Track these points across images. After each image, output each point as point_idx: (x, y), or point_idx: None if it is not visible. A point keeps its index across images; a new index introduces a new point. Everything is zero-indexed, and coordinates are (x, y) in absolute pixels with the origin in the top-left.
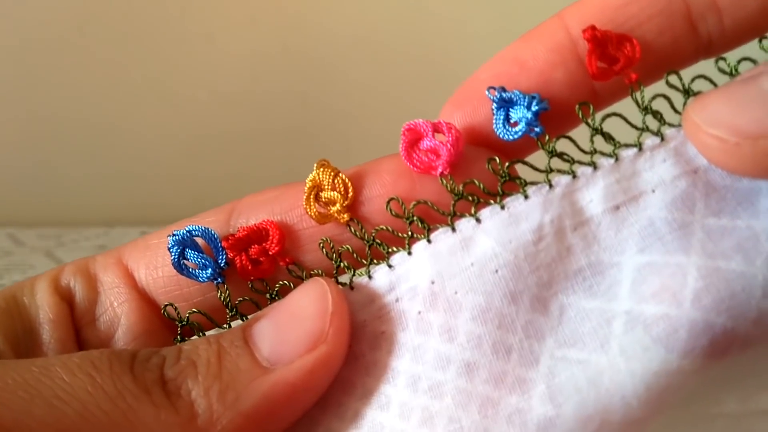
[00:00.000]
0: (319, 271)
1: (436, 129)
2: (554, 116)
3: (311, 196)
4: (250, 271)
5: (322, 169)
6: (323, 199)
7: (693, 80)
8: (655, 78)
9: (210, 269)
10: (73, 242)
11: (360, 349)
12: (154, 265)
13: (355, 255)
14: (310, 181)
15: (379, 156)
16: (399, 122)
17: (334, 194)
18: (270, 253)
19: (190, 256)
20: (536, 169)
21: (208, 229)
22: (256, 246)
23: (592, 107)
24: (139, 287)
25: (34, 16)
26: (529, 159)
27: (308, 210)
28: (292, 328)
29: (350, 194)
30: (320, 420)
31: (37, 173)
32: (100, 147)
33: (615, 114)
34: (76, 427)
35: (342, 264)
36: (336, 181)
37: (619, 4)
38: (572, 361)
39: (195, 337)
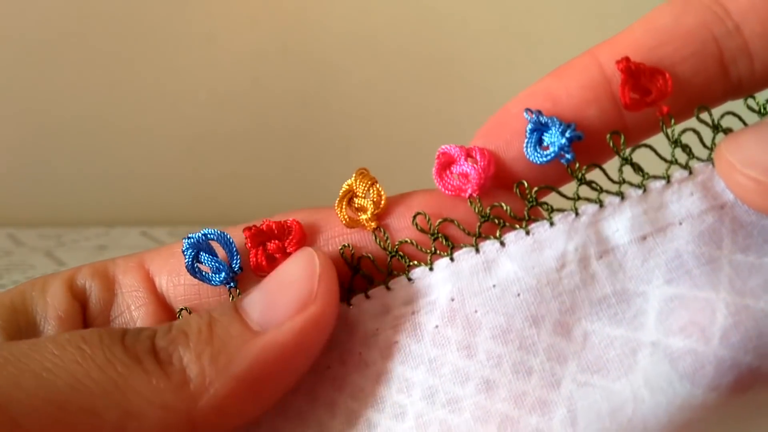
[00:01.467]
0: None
1: (468, 154)
2: (585, 152)
3: (344, 201)
4: (263, 267)
5: (360, 177)
6: (356, 205)
7: (722, 116)
8: (686, 118)
9: (223, 273)
10: (73, 242)
11: (371, 357)
12: (176, 273)
13: (375, 265)
14: (347, 185)
15: (378, 155)
16: (399, 122)
17: (367, 202)
18: (287, 251)
19: (205, 260)
20: (564, 196)
21: (224, 233)
22: (275, 242)
23: (623, 137)
24: (158, 293)
25: (34, 16)
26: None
27: (339, 213)
28: (281, 292)
29: (382, 204)
30: (330, 426)
31: (37, 173)
32: (100, 147)
33: (645, 145)
34: (65, 396)
35: (360, 272)
36: (371, 190)
37: (653, 45)
38: (595, 388)
39: None
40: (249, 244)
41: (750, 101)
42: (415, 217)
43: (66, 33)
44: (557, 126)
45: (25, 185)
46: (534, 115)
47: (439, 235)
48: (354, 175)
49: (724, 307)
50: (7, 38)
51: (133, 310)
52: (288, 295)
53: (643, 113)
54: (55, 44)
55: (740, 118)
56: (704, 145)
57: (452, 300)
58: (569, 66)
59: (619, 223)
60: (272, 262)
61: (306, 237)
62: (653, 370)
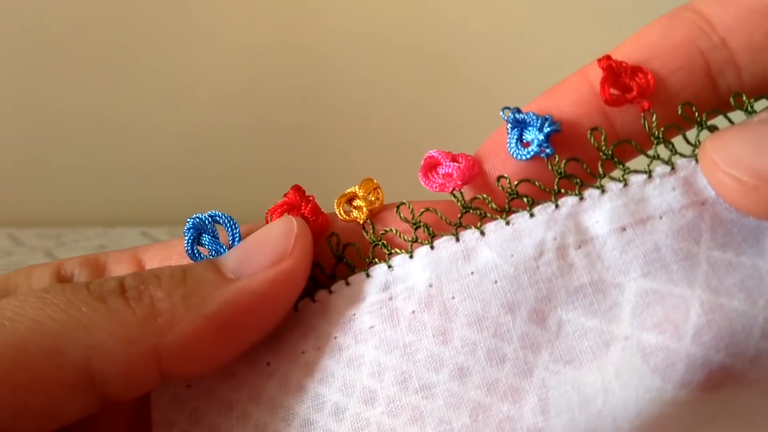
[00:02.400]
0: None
1: (454, 159)
2: (579, 165)
3: (344, 199)
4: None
5: (364, 183)
6: (354, 204)
7: (707, 114)
8: (677, 133)
9: None
10: (73, 242)
11: (346, 341)
12: (168, 260)
13: (360, 254)
14: (351, 190)
15: (378, 155)
16: (399, 121)
17: (364, 202)
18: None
19: (206, 242)
20: (544, 189)
21: (229, 216)
22: (299, 215)
23: (603, 133)
24: None
25: (35, 16)
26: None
27: (336, 208)
28: (258, 247)
29: (378, 204)
30: (297, 410)
31: (37, 173)
32: (100, 146)
33: (626, 141)
34: (27, 339)
35: (344, 260)
36: (372, 194)
37: (641, 60)
38: (567, 378)
39: None
40: (288, 197)
41: (737, 98)
42: (398, 207)
43: (66, 32)
44: (535, 121)
45: (25, 185)
46: (511, 113)
47: (421, 224)
48: (360, 182)
49: (698, 305)
50: (8, 37)
51: None
52: (264, 250)
53: (635, 129)
54: (55, 44)
55: (726, 117)
56: (688, 142)
57: (430, 286)
58: (560, 85)
59: (599, 214)
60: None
61: (322, 233)
62: (625, 363)
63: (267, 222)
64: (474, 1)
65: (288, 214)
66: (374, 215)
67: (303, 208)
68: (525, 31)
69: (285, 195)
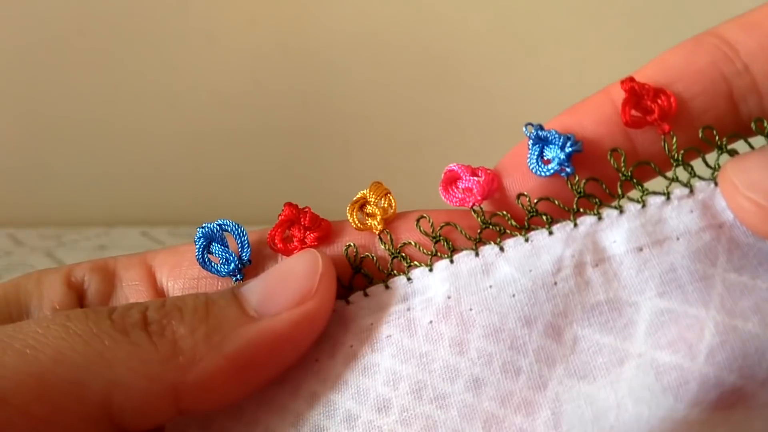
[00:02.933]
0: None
1: (474, 173)
2: (599, 186)
3: (356, 206)
4: (276, 243)
5: (374, 187)
6: (367, 210)
7: (728, 138)
8: (696, 156)
9: (232, 264)
10: (73, 242)
11: (362, 350)
12: (178, 267)
13: (378, 266)
14: (361, 194)
15: (378, 155)
16: (399, 121)
17: (378, 209)
18: (306, 240)
19: (215, 250)
20: (563, 208)
21: (238, 225)
22: (301, 228)
23: (623, 154)
24: (158, 287)
25: (34, 16)
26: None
27: (349, 216)
28: (282, 284)
29: (392, 212)
30: (307, 416)
31: (37, 173)
32: (100, 147)
33: (645, 163)
34: (50, 370)
35: (361, 271)
36: (383, 199)
37: (664, 83)
38: (580, 393)
39: None
40: (282, 217)
41: (759, 124)
42: (418, 220)
43: (66, 33)
44: (557, 139)
45: (25, 185)
46: (534, 130)
47: (441, 238)
48: (369, 186)
49: (712, 325)
50: (8, 38)
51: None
52: (288, 288)
53: (656, 150)
54: (55, 44)
55: (747, 142)
56: (707, 165)
57: (448, 298)
58: (583, 103)
59: (617, 234)
60: (286, 244)
61: (328, 238)
62: (638, 381)
63: (270, 245)
64: (474, 3)
65: (290, 230)
66: (388, 224)
67: (302, 220)
68: (525, 32)
69: (280, 214)
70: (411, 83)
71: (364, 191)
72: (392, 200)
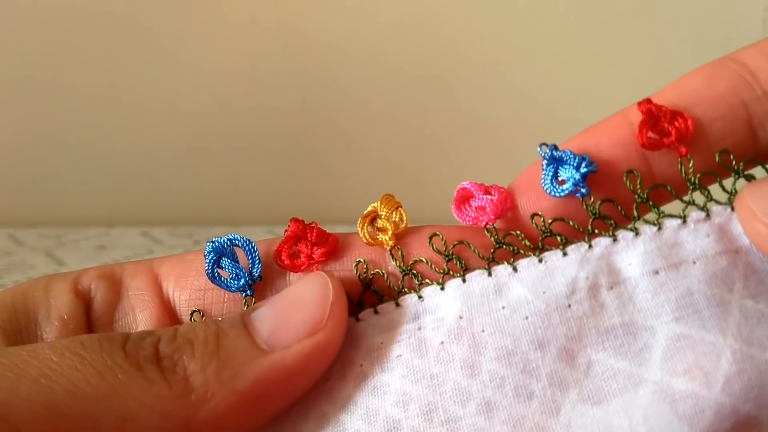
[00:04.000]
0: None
1: (486, 191)
2: (615, 207)
3: (367, 220)
4: (283, 260)
5: (385, 201)
6: (378, 225)
7: (745, 163)
8: (713, 180)
9: (242, 280)
10: (73, 242)
11: (372, 369)
12: (185, 277)
13: (388, 283)
14: (372, 207)
15: (378, 155)
16: (399, 121)
17: (389, 223)
18: (313, 256)
19: (225, 265)
20: (578, 229)
21: (249, 240)
22: (308, 243)
23: (639, 176)
24: (164, 297)
25: (34, 16)
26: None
27: (360, 231)
28: (292, 314)
29: (403, 226)
30: None
31: (37, 173)
32: (101, 147)
33: (662, 186)
34: (64, 402)
35: (372, 288)
36: (395, 213)
37: (682, 107)
38: (594, 419)
39: None
40: (288, 233)
41: None
42: (431, 238)
43: (66, 33)
44: (572, 160)
45: (25, 185)
46: (549, 150)
47: (454, 256)
48: (380, 199)
49: (729, 353)
50: (7, 38)
51: (137, 312)
52: (299, 318)
53: (673, 173)
54: (55, 44)
55: (765, 167)
56: (724, 189)
57: (460, 318)
58: (601, 125)
59: (632, 257)
60: (294, 260)
61: (336, 253)
62: (653, 408)
63: (276, 262)
64: (475, 3)
65: (297, 246)
66: (399, 239)
67: (309, 236)
68: (526, 32)
69: (286, 231)
70: (411, 83)
71: (375, 204)
72: (404, 214)
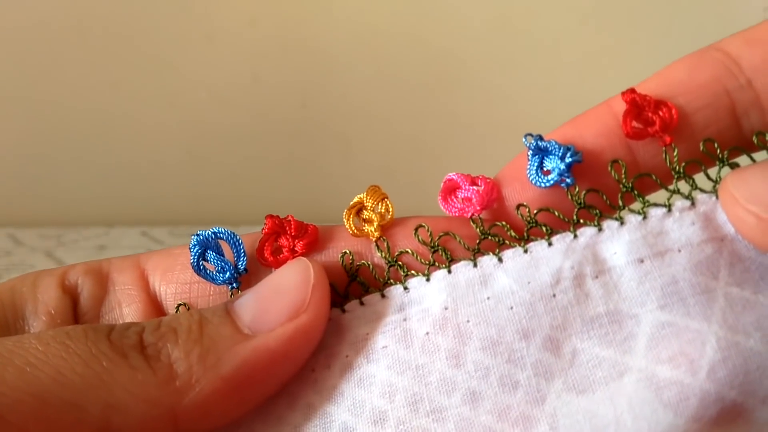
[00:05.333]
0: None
1: (473, 182)
2: (600, 197)
3: (353, 211)
4: (266, 257)
5: (371, 192)
6: (364, 216)
7: (729, 151)
8: (698, 169)
9: (228, 273)
10: (73, 242)
11: (358, 360)
12: (171, 271)
13: (374, 274)
14: (358, 198)
15: (378, 155)
16: (399, 121)
17: (375, 214)
18: (295, 249)
19: (210, 258)
20: (563, 219)
21: (233, 233)
22: (288, 237)
23: (624, 166)
24: (150, 292)
25: (34, 16)
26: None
27: (346, 222)
28: (274, 299)
29: (389, 218)
30: (304, 428)
31: (37, 173)
32: (101, 147)
33: (646, 175)
34: (49, 390)
35: (357, 279)
36: (381, 204)
37: (667, 96)
38: (579, 408)
39: None
40: (266, 230)
41: (761, 137)
42: (417, 229)
43: (66, 33)
44: (557, 150)
45: (25, 185)
46: (534, 140)
47: (439, 248)
48: (366, 190)
49: (714, 340)
50: (7, 38)
51: (124, 307)
52: (281, 302)
53: (657, 163)
54: (55, 44)
55: (749, 155)
56: (709, 178)
57: (446, 309)
58: (585, 116)
59: (618, 246)
60: (276, 255)
61: (317, 243)
62: (638, 396)
63: (259, 260)
64: (475, 3)
65: (278, 241)
66: (385, 230)
67: (288, 229)
68: (525, 30)
69: (263, 229)
70: (411, 83)
71: (361, 195)
72: (389, 205)
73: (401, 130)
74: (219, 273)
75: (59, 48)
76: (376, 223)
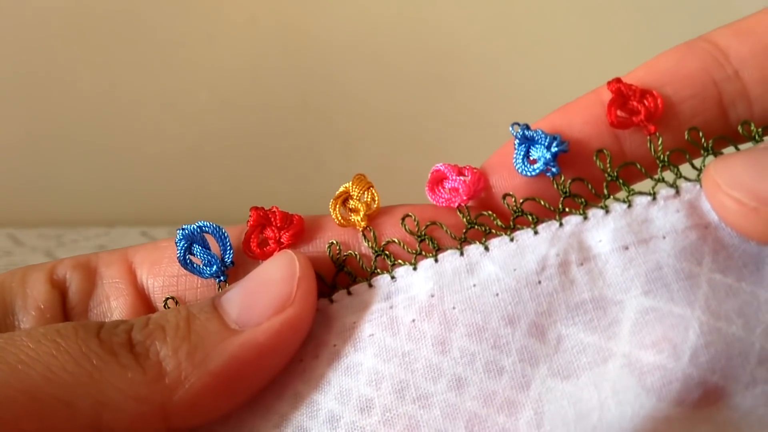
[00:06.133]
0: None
1: (460, 172)
2: (585, 186)
3: (339, 201)
4: (253, 249)
5: (356, 181)
6: (350, 206)
7: (714, 140)
8: (684, 159)
9: (215, 266)
10: (73, 242)
11: (345, 349)
12: (158, 264)
13: (361, 264)
14: (343, 188)
15: (378, 155)
16: (399, 121)
17: (361, 204)
18: (281, 240)
19: (197, 252)
20: (549, 208)
21: (219, 226)
22: (273, 229)
23: (609, 155)
24: (138, 285)
25: (35, 16)
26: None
27: (332, 212)
28: (260, 293)
29: (375, 207)
30: (291, 417)
31: (37, 173)
32: (101, 147)
33: (631, 164)
34: (40, 388)
35: (345, 269)
36: (366, 193)
37: (654, 85)
38: (564, 393)
39: None
40: (251, 223)
41: (745, 127)
42: (404, 218)
43: (66, 33)
44: (543, 139)
45: (25, 185)
46: (520, 129)
47: (426, 237)
48: (351, 179)
49: (697, 325)
50: (7, 38)
51: (112, 300)
52: (267, 296)
53: (644, 152)
54: (55, 44)
55: (735, 145)
56: (693, 167)
57: (432, 296)
58: (573, 104)
59: (602, 233)
60: (263, 247)
61: (303, 233)
62: (621, 381)
63: (246, 253)
64: (474, 4)
65: (264, 233)
66: (372, 219)
67: (273, 221)
68: (525, 33)
69: (248, 221)
70: (411, 83)
71: (347, 184)
72: (375, 194)
73: (401, 130)
74: (206, 266)
75: (59, 47)
76: (362, 213)
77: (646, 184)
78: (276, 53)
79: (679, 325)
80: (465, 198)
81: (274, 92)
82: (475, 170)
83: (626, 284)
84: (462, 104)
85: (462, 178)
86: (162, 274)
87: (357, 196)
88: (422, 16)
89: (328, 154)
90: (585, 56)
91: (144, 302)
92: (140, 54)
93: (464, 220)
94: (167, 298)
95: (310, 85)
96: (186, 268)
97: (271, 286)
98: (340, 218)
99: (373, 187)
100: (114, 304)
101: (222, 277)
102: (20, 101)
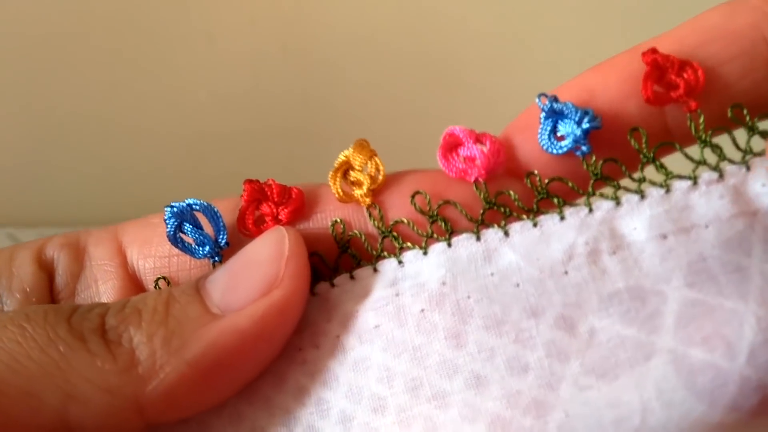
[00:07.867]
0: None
1: (478, 139)
2: (620, 147)
3: (339, 173)
4: (249, 228)
5: (358, 149)
6: (351, 179)
7: (760, 117)
8: (734, 125)
9: (208, 247)
10: None
11: (350, 341)
12: (149, 244)
13: (366, 245)
14: (344, 157)
15: (378, 155)
16: (399, 122)
17: (364, 176)
18: (279, 217)
19: (188, 231)
20: (577, 191)
21: (210, 205)
22: (271, 205)
23: (645, 134)
24: (128, 266)
25: (35, 16)
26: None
27: (332, 186)
28: (246, 273)
29: (380, 179)
30: (299, 415)
31: (37, 173)
32: (101, 147)
33: (669, 144)
34: (3, 378)
35: (348, 251)
36: (369, 163)
37: (699, 42)
38: (600, 393)
39: None
40: (245, 198)
41: (735, 111)
42: (413, 196)
43: (66, 32)
44: (573, 113)
45: (25, 185)
46: (548, 101)
47: (438, 217)
48: (352, 146)
49: (754, 321)
50: (7, 38)
51: (100, 284)
52: (252, 277)
53: (685, 120)
54: (54, 44)
55: None
56: (737, 147)
57: (443, 284)
58: (610, 61)
59: (638, 221)
60: (260, 225)
61: (303, 208)
62: (667, 381)
63: (240, 231)
64: (475, 3)
65: (260, 209)
66: (377, 194)
67: (269, 195)
68: (525, 32)
69: (242, 196)
70: (411, 83)
71: (347, 152)
72: (379, 164)
73: (402, 130)
74: (198, 246)
75: (59, 48)
76: (366, 187)
77: (676, 159)
78: (276, 53)
79: (732, 321)
80: (483, 171)
81: (274, 92)
82: (494, 139)
83: (666, 275)
84: (464, 104)
85: (480, 146)
86: (153, 255)
87: (359, 166)
88: (423, 16)
89: (328, 154)
90: (585, 56)
91: (135, 285)
92: (140, 54)
93: (482, 197)
94: (158, 279)
95: (310, 85)
96: (177, 247)
97: (257, 267)
98: (341, 193)
99: (376, 155)
100: (102, 288)
101: (217, 258)
102: (20, 101)
